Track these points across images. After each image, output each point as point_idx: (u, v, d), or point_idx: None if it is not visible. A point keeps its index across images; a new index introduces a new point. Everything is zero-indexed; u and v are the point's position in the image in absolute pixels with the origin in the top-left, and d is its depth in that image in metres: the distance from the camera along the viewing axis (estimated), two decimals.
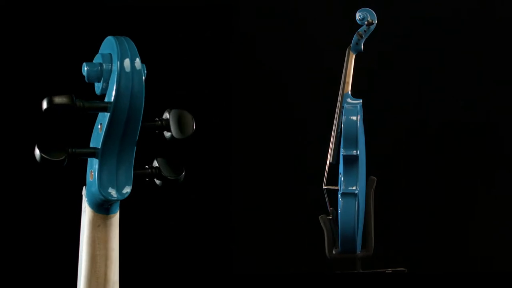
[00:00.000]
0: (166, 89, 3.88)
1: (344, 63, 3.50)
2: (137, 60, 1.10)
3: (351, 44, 3.51)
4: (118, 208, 1.16)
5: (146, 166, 1.14)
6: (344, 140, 3.38)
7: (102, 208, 1.14)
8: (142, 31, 3.88)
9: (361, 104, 3.43)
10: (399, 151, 3.77)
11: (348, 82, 3.47)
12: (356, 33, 3.47)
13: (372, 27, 3.49)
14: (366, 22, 3.46)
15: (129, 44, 1.12)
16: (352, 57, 3.50)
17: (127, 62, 1.10)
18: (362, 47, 3.48)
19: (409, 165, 3.93)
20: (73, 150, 1.12)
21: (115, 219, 1.16)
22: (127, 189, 1.12)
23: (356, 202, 3.34)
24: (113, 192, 1.12)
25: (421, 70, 3.98)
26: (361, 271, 3.35)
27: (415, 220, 3.89)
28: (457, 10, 3.96)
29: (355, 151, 3.37)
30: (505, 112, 3.96)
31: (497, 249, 3.86)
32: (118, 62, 1.09)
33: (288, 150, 3.96)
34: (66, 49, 3.43)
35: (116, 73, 1.09)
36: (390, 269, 3.34)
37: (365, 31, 3.49)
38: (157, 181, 1.13)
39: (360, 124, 3.40)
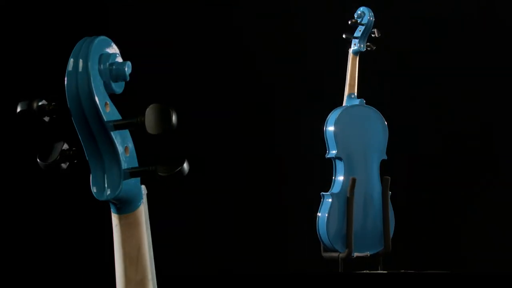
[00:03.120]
0: (164, 88, 3.88)
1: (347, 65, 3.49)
2: (82, 60, 1.09)
3: (351, 46, 3.50)
4: (137, 208, 1.16)
5: (145, 165, 1.14)
6: (325, 142, 3.36)
7: (115, 207, 1.14)
8: (140, 31, 3.88)
9: (356, 105, 3.38)
10: (400, 152, 3.76)
11: (350, 84, 3.44)
12: (344, 34, 3.46)
13: (364, 27, 3.45)
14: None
15: (86, 45, 1.10)
16: (353, 58, 3.47)
17: (70, 62, 1.09)
18: (361, 47, 3.45)
19: (411, 166, 3.93)
20: (70, 152, 1.13)
21: (132, 219, 1.15)
22: (108, 191, 1.12)
23: (330, 203, 3.30)
24: (96, 192, 1.12)
25: (423, 70, 3.98)
26: (382, 271, 3.34)
27: (420, 221, 3.89)
28: (459, 10, 3.97)
29: (331, 153, 3.34)
30: (503, 115, 3.96)
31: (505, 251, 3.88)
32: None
33: (291, 151, 3.95)
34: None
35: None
36: (402, 270, 3.33)
37: (359, 30, 3.47)
38: (158, 177, 1.13)
39: (342, 126, 3.34)
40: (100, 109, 1.10)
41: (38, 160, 1.10)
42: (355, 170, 3.35)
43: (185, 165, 1.10)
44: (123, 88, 1.14)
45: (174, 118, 1.08)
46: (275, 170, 3.95)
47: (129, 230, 1.15)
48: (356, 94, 3.43)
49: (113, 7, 3.85)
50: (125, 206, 1.15)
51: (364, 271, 3.32)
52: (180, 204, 3.87)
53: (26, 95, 1.14)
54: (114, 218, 1.15)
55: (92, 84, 1.09)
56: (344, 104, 3.43)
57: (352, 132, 3.35)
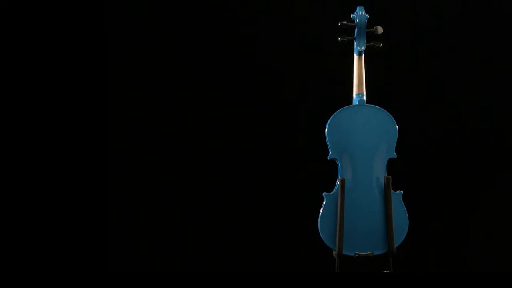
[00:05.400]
0: (163, 88, 3.88)
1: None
2: None
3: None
4: None
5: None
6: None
7: None
8: (146, 33, 3.88)
9: (353, 106, 3.35)
10: (405, 151, 3.76)
11: (356, 84, 3.41)
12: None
13: (357, 27, 3.43)
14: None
15: None
16: (357, 59, 3.44)
17: None
18: (360, 47, 3.43)
19: (413, 165, 3.94)
20: None
21: None
22: None
23: (324, 203, 3.30)
24: None
25: (425, 71, 3.99)
26: (392, 271, 3.32)
27: (421, 221, 3.89)
28: (460, 11, 3.98)
29: (329, 155, 3.33)
30: (506, 114, 3.97)
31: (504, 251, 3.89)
32: None
33: (296, 152, 3.95)
34: None
35: None
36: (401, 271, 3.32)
37: (355, 30, 3.45)
38: None
39: (334, 128, 3.32)
40: None
41: None
42: (353, 170, 3.34)
43: None
44: None
45: None
46: (283, 172, 3.96)
47: None
48: (364, 93, 3.38)
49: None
50: None
51: (385, 271, 3.32)
52: (181, 205, 3.86)
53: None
54: None
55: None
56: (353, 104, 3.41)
57: (347, 133, 3.33)
